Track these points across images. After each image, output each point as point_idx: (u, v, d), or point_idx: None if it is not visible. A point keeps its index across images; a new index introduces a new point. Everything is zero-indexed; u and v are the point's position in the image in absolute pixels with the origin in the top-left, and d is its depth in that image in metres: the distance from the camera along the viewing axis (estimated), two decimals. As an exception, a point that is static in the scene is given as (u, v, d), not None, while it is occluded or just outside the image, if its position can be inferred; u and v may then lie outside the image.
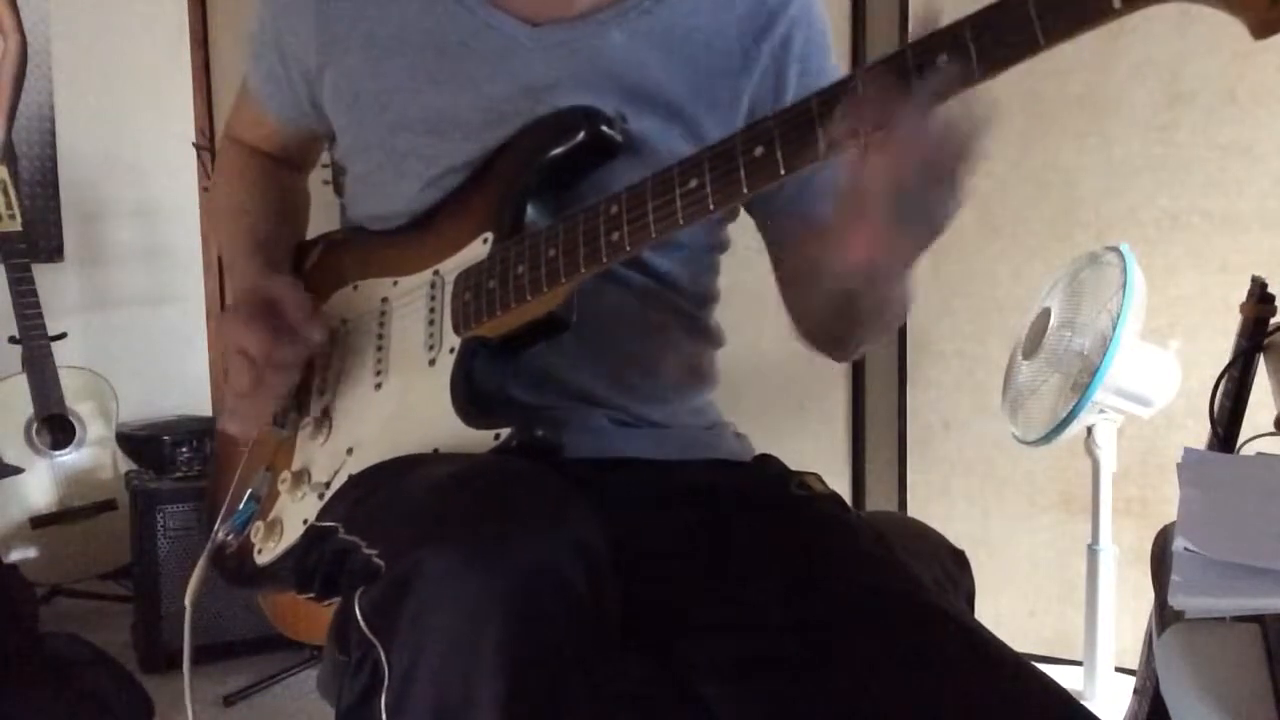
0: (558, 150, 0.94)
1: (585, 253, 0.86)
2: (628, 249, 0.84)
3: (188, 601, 1.06)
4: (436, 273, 0.98)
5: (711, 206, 0.80)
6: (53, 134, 3.01)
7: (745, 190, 0.78)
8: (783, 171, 0.75)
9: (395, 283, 1.02)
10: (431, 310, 0.97)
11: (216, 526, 1.06)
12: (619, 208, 0.84)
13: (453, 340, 0.95)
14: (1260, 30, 0.62)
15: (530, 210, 0.94)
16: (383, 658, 0.71)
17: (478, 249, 0.95)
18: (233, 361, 0.98)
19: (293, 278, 1.06)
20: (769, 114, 0.76)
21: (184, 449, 2.61)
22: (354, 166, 1.08)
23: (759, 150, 0.76)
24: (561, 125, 0.94)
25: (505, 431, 0.87)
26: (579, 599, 0.70)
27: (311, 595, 0.91)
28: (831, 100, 0.73)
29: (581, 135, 0.93)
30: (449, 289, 0.96)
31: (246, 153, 1.21)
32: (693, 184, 0.80)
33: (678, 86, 0.98)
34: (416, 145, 1.00)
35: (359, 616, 0.73)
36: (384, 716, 0.70)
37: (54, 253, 3.01)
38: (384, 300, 1.03)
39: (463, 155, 0.99)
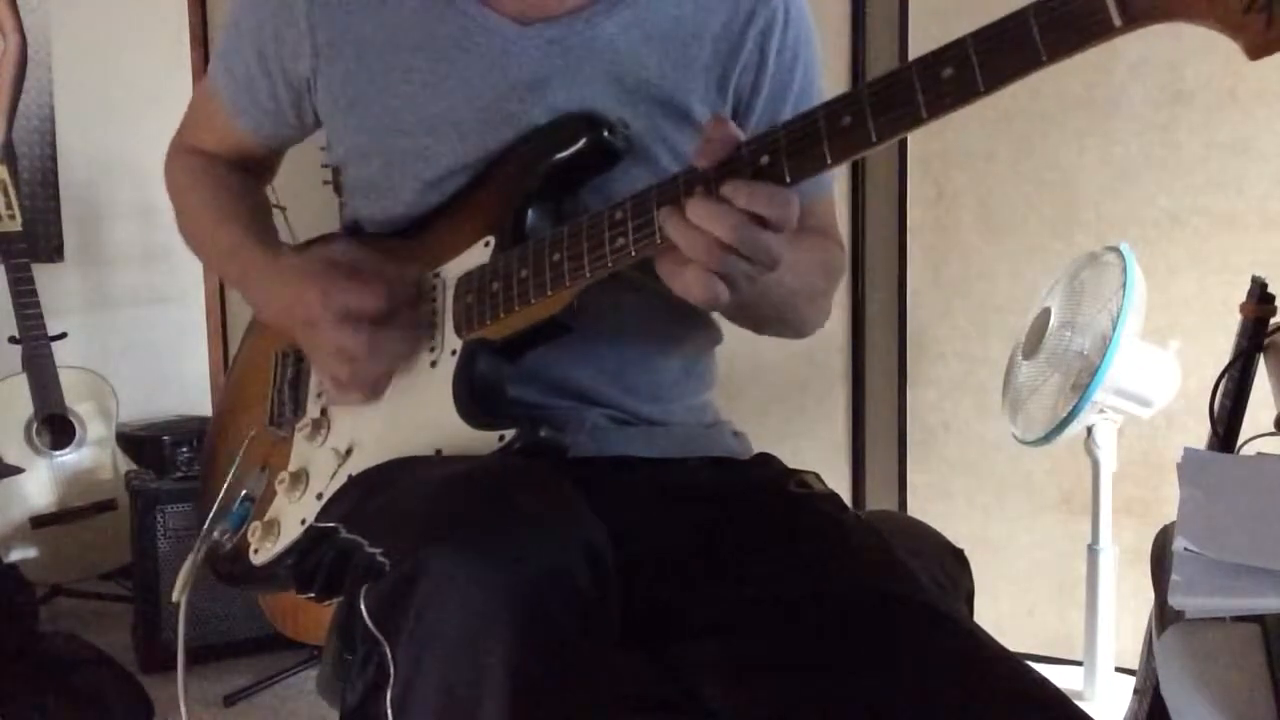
0: (559, 156, 0.94)
1: (590, 258, 0.86)
2: (633, 254, 0.84)
3: (175, 597, 1.05)
4: (437, 275, 0.98)
5: None
6: (53, 134, 3.01)
7: None
8: (788, 180, 0.77)
9: None
10: (433, 313, 0.97)
11: (208, 525, 1.06)
12: (624, 214, 0.84)
13: (455, 342, 0.95)
14: (1255, 51, 0.64)
15: (531, 215, 0.95)
16: (388, 654, 0.71)
17: (479, 252, 0.96)
18: (338, 332, 0.92)
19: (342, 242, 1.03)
20: (779, 124, 0.78)
21: (184, 449, 2.62)
22: (352, 170, 1.08)
23: (765, 160, 0.77)
24: (563, 132, 0.95)
25: (510, 433, 0.87)
26: (584, 599, 0.70)
27: (312, 595, 0.91)
28: (852, 110, 0.74)
29: (583, 142, 0.94)
30: (450, 291, 0.97)
31: (210, 159, 1.17)
32: (699, 191, 0.80)
33: (668, 76, 0.99)
34: (414, 147, 1.01)
35: (364, 613, 0.73)
36: (389, 713, 0.71)
37: (54, 253, 3.01)
38: None
39: (461, 157, 0.99)
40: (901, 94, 0.71)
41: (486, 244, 0.96)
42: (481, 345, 0.94)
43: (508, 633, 0.67)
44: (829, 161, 0.75)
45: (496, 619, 0.67)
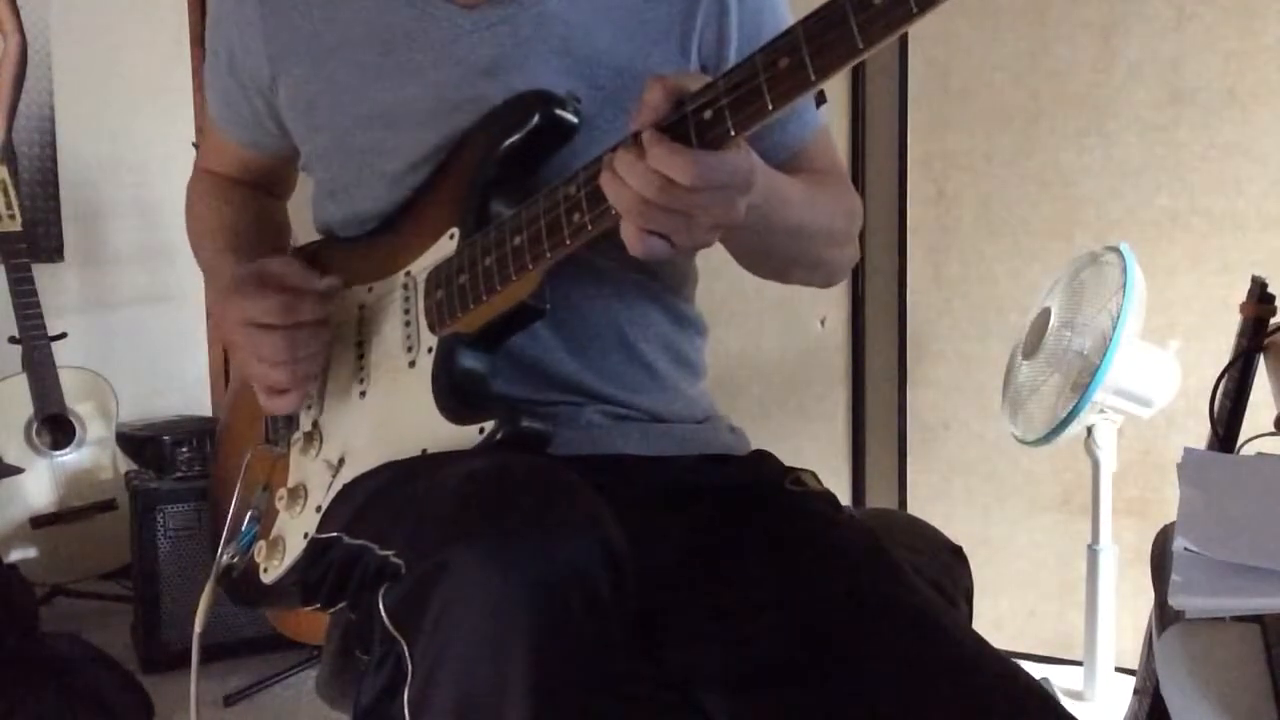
0: (514, 138, 0.92)
1: (549, 237, 0.84)
2: (590, 228, 0.82)
3: (198, 629, 1.05)
4: (408, 274, 0.98)
5: None
6: (53, 134, 3.01)
7: None
8: (732, 133, 0.74)
9: (370, 289, 1.02)
10: (406, 312, 0.97)
11: (220, 550, 1.05)
12: (577, 188, 0.82)
13: (430, 340, 0.94)
14: None
15: (494, 202, 0.94)
16: (406, 654, 0.71)
17: (445, 246, 0.95)
18: (249, 338, 0.95)
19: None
20: (718, 78, 0.75)
21: (184, 449, 2.61)
22: (318, 174, 1.08)
23: (708, 115, 0.74)
24: (515, 112, 0.93)
25: (489, 425, 0.86)
26: (603, 601, 0.70)
27: (318, 606, 0.91)
28: (789, 51, 0.71)
29: (536, 120, 0.92)
30: (421, 289, 0.96)
31: (219, 178, 1.20)
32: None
33: (624, 46, 0.97)
34: (372, 141, 1.00)
35: (383, 613, 0.73)
36: (406, 713, 0.70)
37: (54, 253, 3.01)
38: (360, 307, 1.02)
39: (421, 147, 0.99)
40: (836, 27, 0.68)
41: (451, 236, 0.95)
42: (456, 340, 0.92)
43: (528, 633, 0.66)
44: (770, 108, 0.71)
45: (517, 619, 0.66)
